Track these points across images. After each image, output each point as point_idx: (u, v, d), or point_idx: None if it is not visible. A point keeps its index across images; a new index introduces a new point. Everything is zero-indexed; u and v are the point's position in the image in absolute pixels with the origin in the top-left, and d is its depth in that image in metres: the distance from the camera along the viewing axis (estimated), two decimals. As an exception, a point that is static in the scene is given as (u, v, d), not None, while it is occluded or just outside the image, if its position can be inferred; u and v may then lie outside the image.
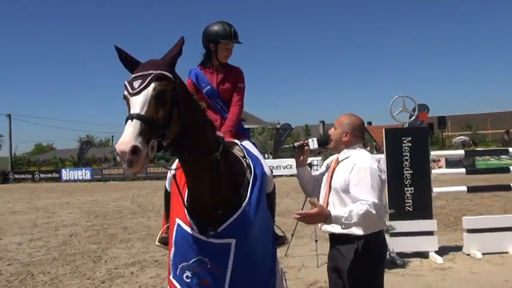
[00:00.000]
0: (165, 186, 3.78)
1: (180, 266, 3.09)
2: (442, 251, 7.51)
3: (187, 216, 3.09)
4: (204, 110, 3.07)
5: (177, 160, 3.23)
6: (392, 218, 7.26)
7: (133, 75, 2.65)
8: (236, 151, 3.50)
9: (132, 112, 2.49)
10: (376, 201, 3.04)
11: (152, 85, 2.57)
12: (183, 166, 2.97)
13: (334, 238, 3.35)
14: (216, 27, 3.86)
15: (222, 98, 3.99)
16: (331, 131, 3.53)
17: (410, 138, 7.46)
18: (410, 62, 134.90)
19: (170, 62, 2.74)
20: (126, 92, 2.60)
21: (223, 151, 3.09)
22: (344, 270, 3.23)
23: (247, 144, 3.75)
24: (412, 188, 7.41)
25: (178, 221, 3.13)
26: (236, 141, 3.71)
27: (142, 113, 2.48)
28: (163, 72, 2.65)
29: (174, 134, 2.68)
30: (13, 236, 11.17)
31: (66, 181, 38.41)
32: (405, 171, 7.43)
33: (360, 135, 3.46)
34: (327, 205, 3.32)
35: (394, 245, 7.15)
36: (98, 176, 38.41)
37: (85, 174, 38.99)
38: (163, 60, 2.75)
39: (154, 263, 7.85)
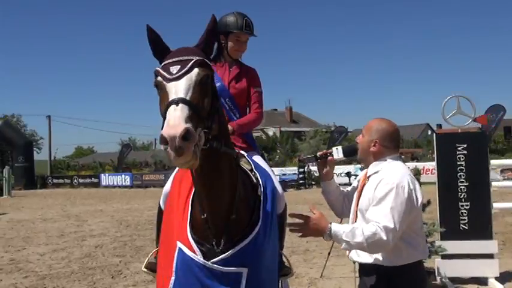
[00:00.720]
0: (159, 203, 3.39)
1: None
2: (505, 278, 6.64)
3: (190, 239, 2.74)
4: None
5: (174, 173, 3.14)
6: (444, 237, 6.45)
7: (169, 61, 2.43)
8: (243, 164, 3.08)
9: (175, 97, 2.26)
10: (391, 226, 2.64)
11: (196, 70, 2.38)
12: (201, 175, 2.59)
13: (362, 268, 2.98)
14: (227, 18, 3.60)
15: (232, 98, 3.63)
16: (359, 138, 3.10)
17: (465, 145, 6.64)
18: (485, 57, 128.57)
19: (207, 49, 2.58)
20: (160, 78, 2.39)
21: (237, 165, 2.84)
22: None
23: (256, 158, 3.40)
24: (468, 203, 6.57)
25: (179, 244, 2.74)
26: (242, 152, 3.35)
27: (188, 98, 2.27)
28: (205, 58, 2.48)
29: (217, 131, 2.51)
30: (37, 246, 10.92)
31: (105, 187, 38.74)
32: (460, 183, 6.60)
33: (392, 145, 3.00)
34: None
35: (446, 268, 6.38)
36: (138, 181, 38.58)
37: (124, 180, 39.24)
38: (198, 47, 2.54)
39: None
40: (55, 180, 42.85)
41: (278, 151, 45.59)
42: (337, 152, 3.24)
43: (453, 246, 6.39)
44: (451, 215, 6.55)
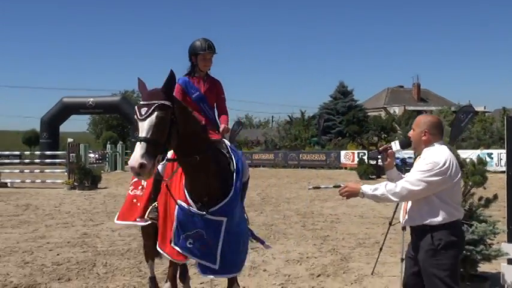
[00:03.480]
0: (158, 170, 4.65)
1: (184, 234, 4.28)
2: None
3: (188, 198, 4.24)
4: (197, 120, 4.31)
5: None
6: (512, 238, 5.86)
7: (141, 103, 3.71)
8: (222, 147, 4.61)
9: (140, 135, 3.55)
10: (410, 187, 3.59)
11: (155, 113, 3.61)
12: (181, 165, 4.20)
13: (413, 230, 3.86)
14: (195, 43, 4.96)
15: (207, 103, 5.06)
16: (411, 133, 3.93)
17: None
18: None
19: (168, 91, 3.81)
20: (136, 117, 3.67)
21: (214, 150, 4.33)
22: (421, 264, 3.72)
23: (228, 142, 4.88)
24: (543, 199, 5.87)
25: (179, 202, 4.28)
26: (224, 140, 4.83)
27: (148, 136, 3.54)
28: (164, 102, 3.69)
29: (175, 146, 3.86)
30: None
31: (216, 165, 40.25)
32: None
33: (437, 132, 3.84)
34: (406, 205, 3.90)
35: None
36: (248, 160, 39.43)
37: (236, 158, 40.51)
38: (163, 89, 3.78)
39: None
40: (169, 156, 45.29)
41: (398, 132, 43.96)
42: (395, 145, 4.09)
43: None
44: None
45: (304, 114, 53.33)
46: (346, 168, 34.06)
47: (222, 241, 4.24)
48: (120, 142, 36.45)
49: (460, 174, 3.73)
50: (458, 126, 32.75)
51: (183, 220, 4.28)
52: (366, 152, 29.21)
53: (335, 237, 9.75)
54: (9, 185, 21.74)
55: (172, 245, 4.41)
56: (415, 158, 3.98)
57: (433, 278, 3.62)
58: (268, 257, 8.03)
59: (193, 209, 4.21)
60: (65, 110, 47.76)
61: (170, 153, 4.40)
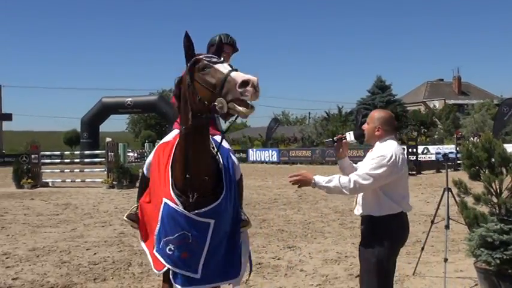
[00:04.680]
0: (143, 171, 4.42)
1: (165, 239, 3.73)
2: None
3: (172, 194, 3.71)
4: None
5: (155, 149, 4.23)
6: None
7: (204, 55, 3.52)
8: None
9: (230, 68, 3.29)
10: (361, 182, 3.75)
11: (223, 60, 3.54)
12: (196, 140, 3.59)
13: (362, 219, 4.06)
14: (215, 36, 4.69)
15: None
16: (365, 126, 4.08)
17: None
18: None
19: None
20: (207, 61, 3.40)
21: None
22: (359, 246, 4.03)
23: (218, 138, 4.19)
24: None
25: (165, 200, 3.73)
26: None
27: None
28: None
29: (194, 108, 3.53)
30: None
31: (253, 162, 40.18)
32: None
33: (390, 127, 4.03)
34: (356, 199, 4.08)
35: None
36: (285, 157, 39.41)
37: (271, 156, 40.36)
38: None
39: (255, 266, 7.32)
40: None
41: (439, 126, 42.96)
42: (350, 136, 4.17)
43: None
44: None
45: (341, 110, 52.79)
46: (385, 164, 33.54)
47: (207, 246, 3.71)
48: (158, 141, 36.68)
49: (405, 168, 3.97)
50: (501, 119, 31.80)
51: (167, 221, 3.73)
52: (405, 147, 28.56)
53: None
54: (50, 184, 22.10)
55: (154, 251, 3.85)
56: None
57: (364, 264, 3.93)
58: (306, 256, 7.85)
59: (179, 207, 3.67)
60: (104, 110, 48.44)
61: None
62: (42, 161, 22.66)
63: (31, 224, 11.60)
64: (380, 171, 3.76)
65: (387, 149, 3.85)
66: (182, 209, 3.66)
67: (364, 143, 4.59)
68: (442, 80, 65.12)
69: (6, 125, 51.68)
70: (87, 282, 6.68)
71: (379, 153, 3.83)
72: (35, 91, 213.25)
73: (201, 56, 3.47)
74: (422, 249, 6.70)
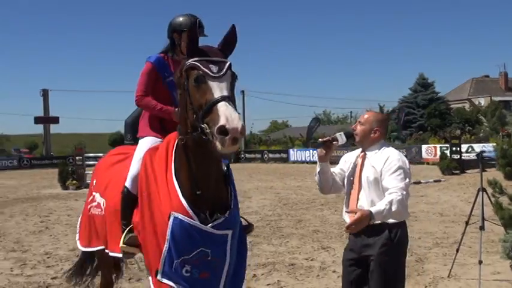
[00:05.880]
0: (126, 187, 3.82)
1: (180, 259, 3.26)
2: None
3: (188, 208, 3.26)
4: None
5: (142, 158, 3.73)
6: None
7: (206, 58, 3.11)
8: None
9: (222, 94, 2.97)
10: (406, 192, 3.58)
11: (229, 72, 3.13)
12: (203, 148, 3.12)
13: (364, 228, 3.60)
14: (181, 18, 4.01)
15: None
16: (356, 127, 3.91)
17: None
18: None
19: (230, 52, 3.27)
20: (203, 72, 3.05)
21: None
22: (374, 259, 3.64)
23: None
24: None
25: (175, 214, 3.26)
26: None
27: (231, 95, 3.04)
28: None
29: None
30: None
31: (294, 162, 40.01)
32: None
33: (385, 131, 4.01)
34: (357, 201, 3.79)
35: None
36: (326, 157, 39.10)
37: (312, 155, 39.91)
38: (224, 50, 3.24)
39: (288, 267, 7.33)
40: (247, 155, 45.56)
41: (484, 124, 41.83)
42: (341, 137, 3.87)
43: None
44: None
45: (382, 108, 52.00)
46: (428, 163, 32.77)
47: (228, 261, 3.38)
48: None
49: None
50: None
51: (181, 238, 3.24)
52: (448, 146, 27.96)
53: (410, 236, 9.10)
54: (94, 185, 22.57)
55: (158, 277, 3.31)
56: (361, 153, 3.91)
57: (388, 270, 3.66)
58: (339, 257, 7.73)
59: (196, 222, 3.25)
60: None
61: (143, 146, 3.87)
62: (86, 162, 23.23)
63: (73, 225, 11.83)
64: (407, 180, 3.67)
65: (399, 156, 3.74)
66: (198, 223, 3.25)
67: (351, 144, 4.34)
68: (488, 76, 63.30)
69: (54, 128, 53.09)
70: (123, 282, 6.81)
71: (395, 162, 3.67)
72: (80, 94, 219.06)
73: (195, 62, 3.10)
74: (457, 250, 6.56)
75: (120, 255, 3.90)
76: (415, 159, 34.51)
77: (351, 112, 70.89)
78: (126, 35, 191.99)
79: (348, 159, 4.02)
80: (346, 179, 3.95)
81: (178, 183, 3.35)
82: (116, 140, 70.85)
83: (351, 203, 3.84)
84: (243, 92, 54.10)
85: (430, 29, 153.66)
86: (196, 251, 3.25)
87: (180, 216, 3.25)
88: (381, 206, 3.46)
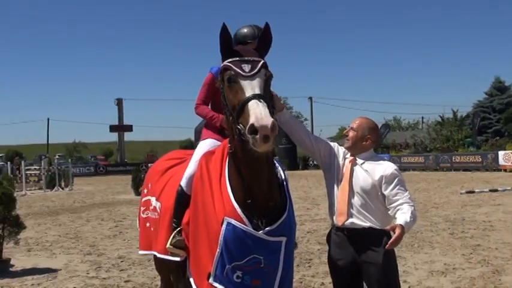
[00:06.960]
0: (181, 186, 3.90)
1: (232, 265, 3.21)
2: None
3: (241, 214, 3.22)
4: None
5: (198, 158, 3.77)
6: None
7: (239, 59, 3.11)
8: None
9: (254, 92, 2.94)
10: (409, 196, 3.73)
11: (263, 71, 3.09)
12: (248, 152, 3.00)
13: (355, 233, 3.73)
14: (245, 30, 4.00)
15: None
16: (350, 133, 3.87)
17: None
18: None
19: (265, 52, 3.27)
20: (235, 72, 3.05)
21: None
22: (375, 262, 3.66)
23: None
24: None
25: (228, 219, 3.23)
26: None
27: (265, 95, 2.99)
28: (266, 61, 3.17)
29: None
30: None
31: (364, 169, 39.44)
32: None
33: (376, 140, 3.97)
34: (348, 205, 3.73)
35: None
36: (396, 164, 37.86)
37: (381, 162, 39.38)
38: (259, 49, 3.25)
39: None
40: (315, 162, 45.20)
41: None
42: None
43: None
44: None
45: (456, 113, 50.29)
46: (505, 170, 31.40)
47: (281, 269, 3.29)
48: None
49: None
50: None
51: (233, 244, 3.20)
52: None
53: (487, 246, 8.92)
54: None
55: (210, 281, 3.28)
56: (351, 157, 3.86)
57: (391, 273, 3.74)
58: (410, 267, 7.58)
59: (249, 228, 3.20)
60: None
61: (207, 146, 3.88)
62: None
63: (145, 230, 12.25)
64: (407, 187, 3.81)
65: (396, 167, 3.82)
66: (251, 229, 3.20)
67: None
68: None
69: (128, 136, 55.05)
70: None
71: (395, 174, 3.72)
72: (152, 103, 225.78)
73: (228, 64, 3.11)
74: None
75: (160, 255, 3.98)
76: (491, 166, 33.17)
77: (422, 118, 68.92)
78: (196, 45, 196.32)
79: (337, 152, 3.93)
80: (328, 177, 3.91)
81: (231, 189, 3.32)
82: (187, 147, 72.47)
83: (341, 206, 3.77)
84: (310, 98, 54.04)
85: (506, 30, 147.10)
86: (248, 258, 3.20)
87: (233, 221, 3.21)
88: (407, 218, 3.51)
